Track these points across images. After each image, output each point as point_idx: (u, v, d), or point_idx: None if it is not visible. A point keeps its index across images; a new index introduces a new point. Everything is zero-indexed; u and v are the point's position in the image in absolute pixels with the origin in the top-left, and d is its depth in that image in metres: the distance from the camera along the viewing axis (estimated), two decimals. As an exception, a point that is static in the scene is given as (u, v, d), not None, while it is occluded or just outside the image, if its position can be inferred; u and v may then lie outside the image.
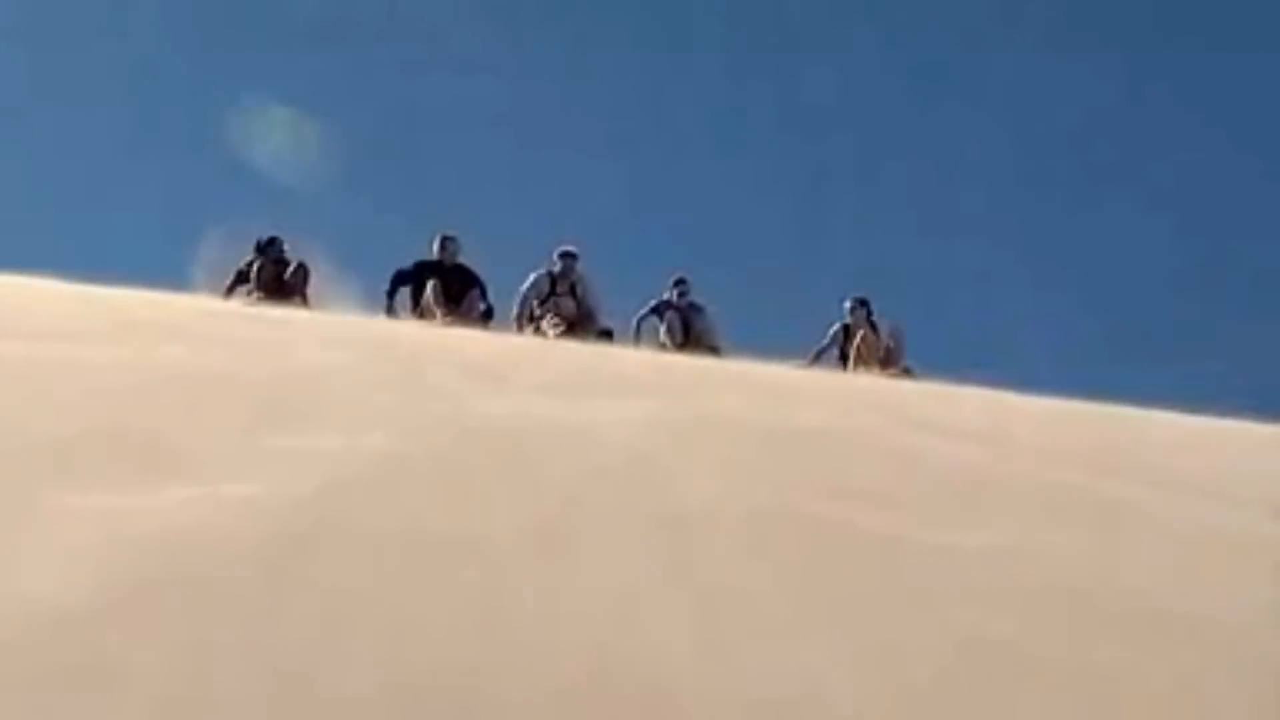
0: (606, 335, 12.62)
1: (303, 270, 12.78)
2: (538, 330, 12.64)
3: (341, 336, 6.79)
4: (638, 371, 7.30)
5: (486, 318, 12.65)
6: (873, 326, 13.33)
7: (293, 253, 12.98)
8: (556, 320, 12.61)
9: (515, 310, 12.75)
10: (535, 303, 12.77)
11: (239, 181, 20.47)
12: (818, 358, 13.14)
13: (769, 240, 22.53)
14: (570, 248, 13.10)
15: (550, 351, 9.06)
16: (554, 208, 22.09)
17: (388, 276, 12.71)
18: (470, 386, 5.26)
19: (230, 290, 12.69)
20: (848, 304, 13.44)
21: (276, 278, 12.60)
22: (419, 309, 12.52)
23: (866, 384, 9.92)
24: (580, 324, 12.58)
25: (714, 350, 12.75)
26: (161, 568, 2.65)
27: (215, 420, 4.36)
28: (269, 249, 12.89)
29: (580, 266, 13.00)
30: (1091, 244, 23.27)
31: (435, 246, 12.86)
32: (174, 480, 3.44)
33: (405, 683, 2.18)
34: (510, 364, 6.54)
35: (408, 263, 12.88)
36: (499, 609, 2.70)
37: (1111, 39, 23.57)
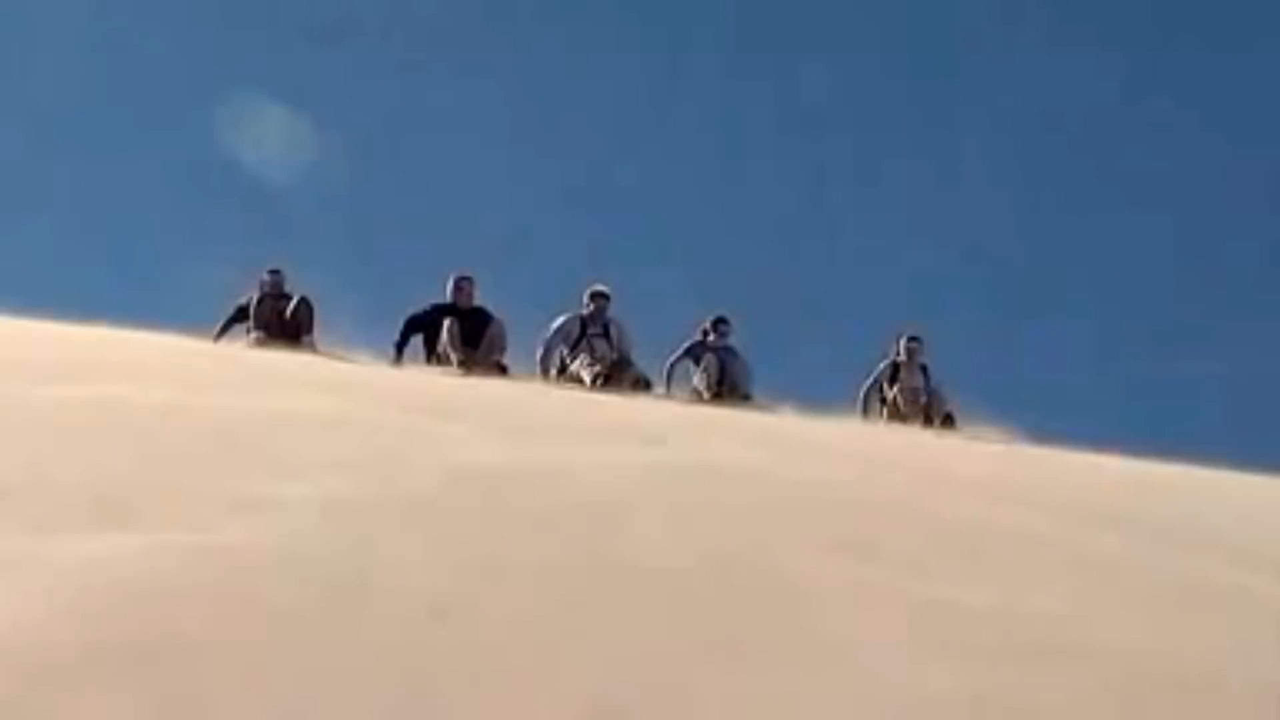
0: (644, 385, 12.38)
1: (306, 306, 12.54)
2: (569, 377, 12.37)
3: (324, 380, 7.02)
4: (637, 419, 7.51)
5: (502, 366, 12.41)
6: (923, 369, 13.27)
7: (293, 285, 12.83)
8: (593, 364, 12.41)
9: (540, 354, 12.51)
10: (565, 349, 12.58)
11: (236, 183, 21.48)
12: (868, 400, 13.11)
13: (768, 241, 23.57)
14: (603, 287, 12.95)
15: (540, 397, 9.24)
16: (552, 210, 22.94)
17: (398, 321, 12.46)
18: (452, 431, 5.50)
19: (224, 329, 12.63)
20: (902, 340, 13.28)
21: (278, 315, 12.49)
22: (434, 356, 12.28)
23: (884, 436, 10.06)
24: (615, 371, 12.39)
25: (746, 398, 12.55)
26: (116, 619, 2.79)
27: (182, 465, 4.61)
28: (266, 281, 12.74)
29: (612, 311, 12.83)
30: (1090, 244, 24.48)
31: (450, 288, 12.72)
32: (133, 527, 3.65)
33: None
34: (499, 409, 6.76)
35: (421, 306, 12.67)
36: (461, 655, 2.90)
37: (1111, 39, 24.62)
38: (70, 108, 24.00)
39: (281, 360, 9.98)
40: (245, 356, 10.63)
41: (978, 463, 6.68)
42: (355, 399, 6.27)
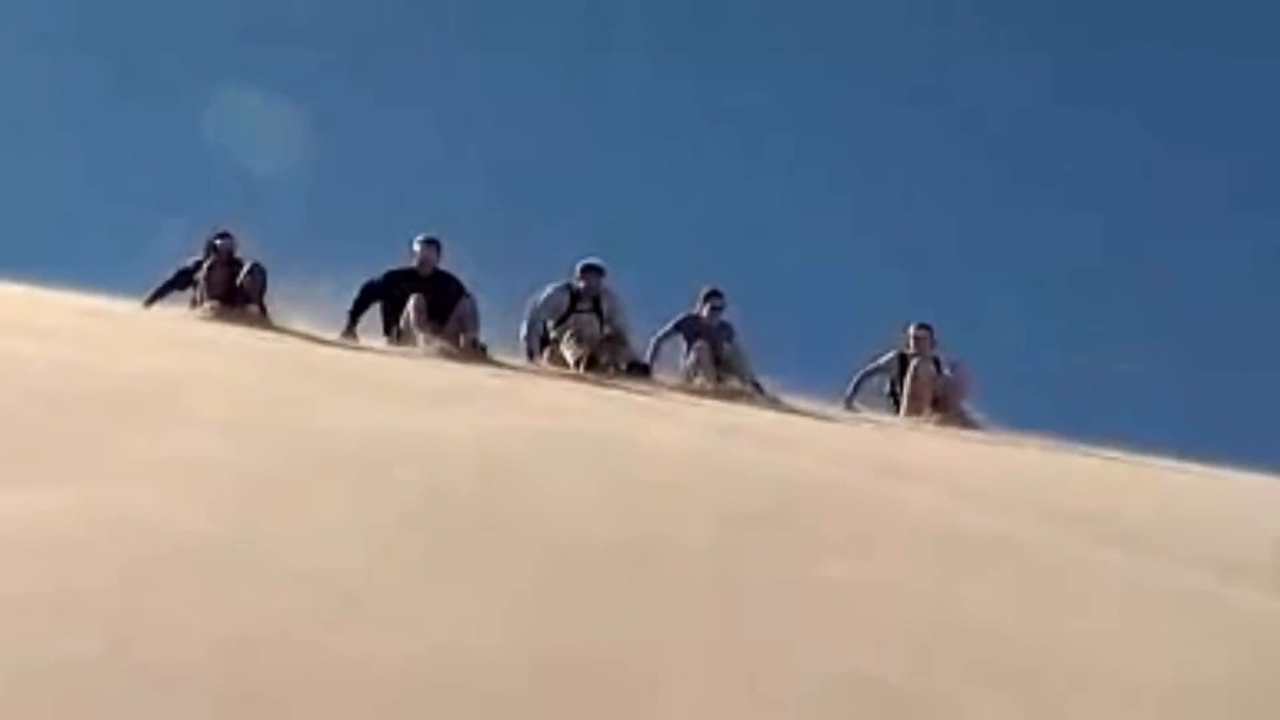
0: (641, 370, 12.22)
1: (258, 273, 12.57)
2: (554, 357, 12.26)
3: (222, 345, 7.18)
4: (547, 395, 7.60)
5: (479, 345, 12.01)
6: (935, 362, 13.23)
7: (245, 253, 12.83)
8: (576, 341, 12.26)
9: (524, 331, 12.40)
10: (550, 322, 12.46)
11: (207, 175, 22.71)
12: (860, 386, 13.16)
13: (697, 240, 25.12)
14: (595, 261, 12.80)
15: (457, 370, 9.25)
16: (481, 206, 24.14)
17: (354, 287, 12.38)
18: (335, 398, 5.70)
19: (162, 292, 12.74)
20: (911, 329, 13.31)
21: (228, 281, 12.52)
22: (395, 332, 12.19)
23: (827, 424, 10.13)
24: (606, 349, 12.31)
25: (754, 386, 12.35)
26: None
27: (63, 425, 4.85)
28: (218, 246, 12.79)
29: (607, 283, 12.74)
30: (1018, 244, 26.87)
31: (415, 249, 12.57)
32: (10, 486, 3.82)
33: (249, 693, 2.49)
34: (399, 378, 6.92)
35: (377, 272, 12.56)
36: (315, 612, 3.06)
37: (1038, 41, 26.89)
38: (45, 94, 25.78)
39: (186, 325, 10.14)
40: (141, 317, 10.79)
41: (909, 449, 6.84)
42: (252, 365, 6.47)
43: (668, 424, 6.01)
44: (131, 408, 5.36)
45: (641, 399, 8.50)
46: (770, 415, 10.01)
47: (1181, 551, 5.28)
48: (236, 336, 9.32)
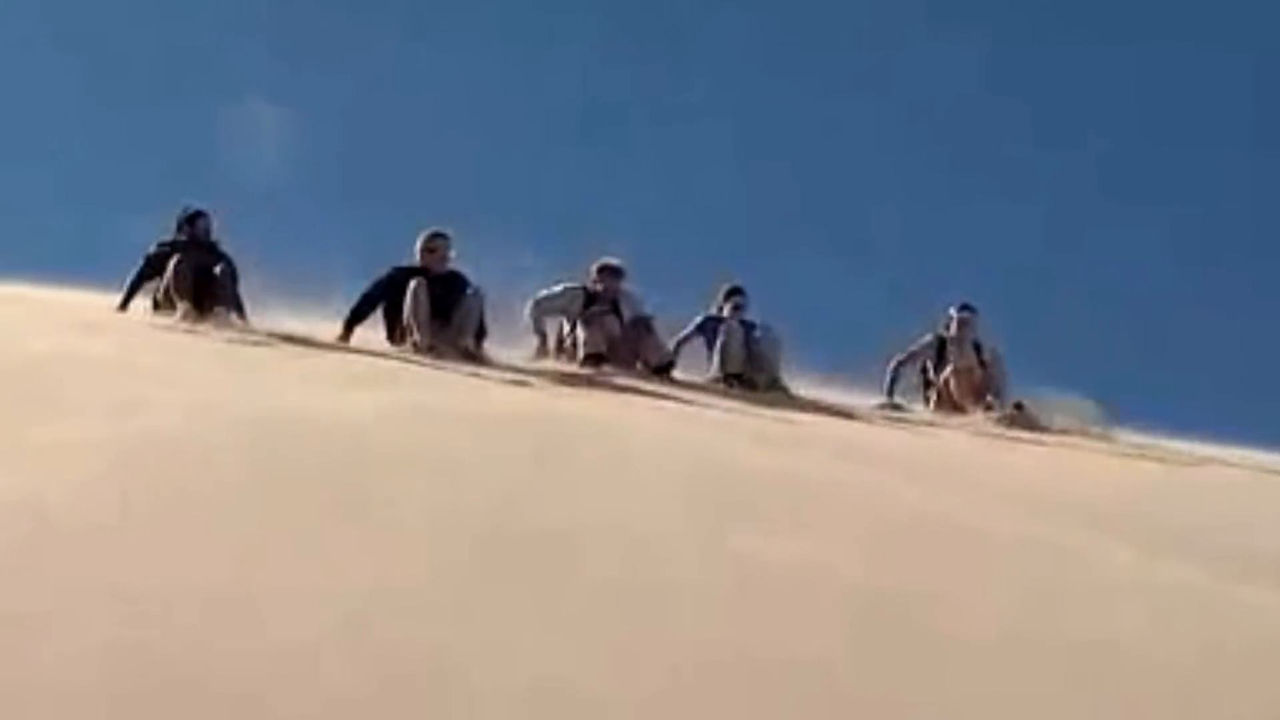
0: (664, 371, 12.01)
1: (225, 273, 11.89)
2: (572, 353, 12.00)
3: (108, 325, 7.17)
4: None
5: (480, 339, 11.71)
6: (976, 347, 12.96)
7: (225, 244, 12.23)
8: (592, 335, 11.98)
9: (529, 314, 12.17)
10: (565, 323, 12.25)
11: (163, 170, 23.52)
12: (897, 375, 12.90)
13: (643, 233, 25.93)
14: (614, 261, 12.59)
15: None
16: (430, 199, 24.92)
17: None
18: (236, 379, 5.71)
19: (134, 287, 12.13)
20: (953, 311, 13.02)
21: (200, 271, 11.83)
22: (399, 333, 11.62)
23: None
24: (628, 345, 12.09)
25: (774, 382, 12.21)
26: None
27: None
28: (192, 226, 12.28)
29: (626, 285, 12.54)
30: (962, 234, 27.27)
31: (419, 247, 12.00)
32: None
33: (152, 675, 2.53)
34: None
35: (381, 272, 11.86)
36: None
37: (977, 26, 28.36)
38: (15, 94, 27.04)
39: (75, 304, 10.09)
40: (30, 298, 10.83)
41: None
42: (144, 347, 6.51)
43: (601, 404, 5.96)
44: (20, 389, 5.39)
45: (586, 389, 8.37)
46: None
47: (1129, 530, 5.27)
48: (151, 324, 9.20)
